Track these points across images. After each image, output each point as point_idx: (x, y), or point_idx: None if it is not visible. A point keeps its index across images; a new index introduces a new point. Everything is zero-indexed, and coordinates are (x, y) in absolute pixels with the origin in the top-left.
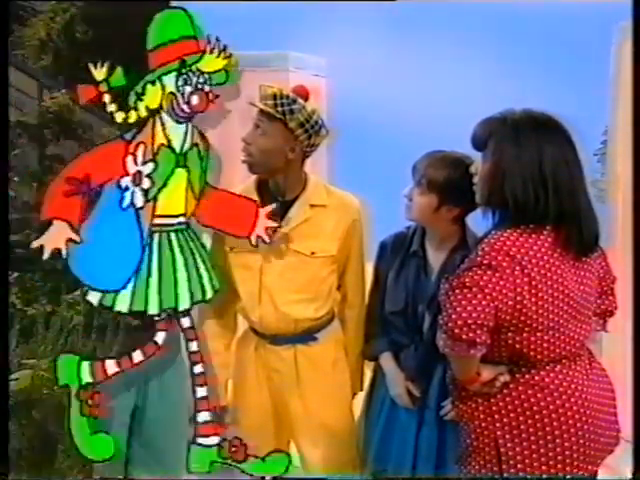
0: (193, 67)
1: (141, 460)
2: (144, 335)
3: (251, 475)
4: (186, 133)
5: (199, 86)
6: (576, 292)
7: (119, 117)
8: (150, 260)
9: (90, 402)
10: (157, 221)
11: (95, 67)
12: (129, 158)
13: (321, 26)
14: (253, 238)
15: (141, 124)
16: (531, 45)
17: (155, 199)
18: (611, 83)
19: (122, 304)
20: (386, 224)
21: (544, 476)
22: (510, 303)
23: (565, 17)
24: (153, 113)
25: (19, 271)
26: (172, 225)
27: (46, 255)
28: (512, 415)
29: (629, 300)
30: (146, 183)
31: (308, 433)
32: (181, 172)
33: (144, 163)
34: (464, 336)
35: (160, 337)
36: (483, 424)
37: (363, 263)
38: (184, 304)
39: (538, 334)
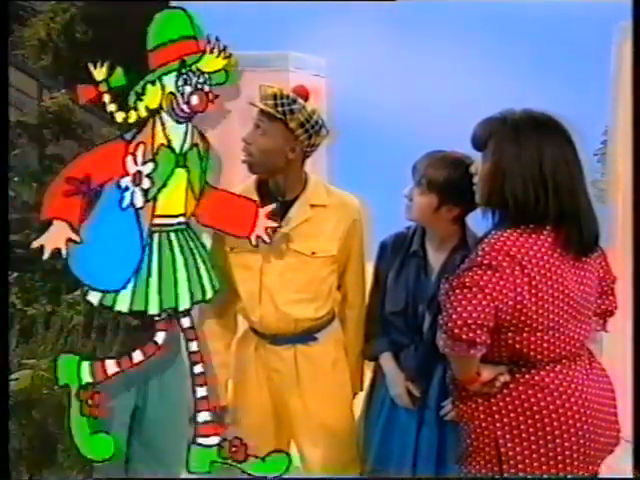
0: (193, 67)
1: (141, 460)
2: (144, 335)
3: (251, 475)
4: (186, 133)
5: (199, 86)
6: (576, 292)
7: (119, 117)
8: (150, 260)
9: (90, 402)
10: (157, 221)
11: (95, 67)
12: (129, 158)
13: (321, 26)
14: (253, 238)
15: (141, 124)
16: (531, 45)
17: (155, 199)
18: (611, 83)
19: (122, 304)
20: (386, 224)
21: (544, 476)
22: (510, 303)
23: (565, 17)
24: (153, 113)
25: (19, 271)
26: (172, 225)
27: (46, 255)
28: (512, 415)
29: (629, 300)
30: (146, 183)
31: (308, 433)
32: (181, 172)
33: (144, 163)
34: (464, 336)
35: (160, 337)
36: (483, 424)
37: (363, 263)
38: (184, 304)
39: (538, 334)
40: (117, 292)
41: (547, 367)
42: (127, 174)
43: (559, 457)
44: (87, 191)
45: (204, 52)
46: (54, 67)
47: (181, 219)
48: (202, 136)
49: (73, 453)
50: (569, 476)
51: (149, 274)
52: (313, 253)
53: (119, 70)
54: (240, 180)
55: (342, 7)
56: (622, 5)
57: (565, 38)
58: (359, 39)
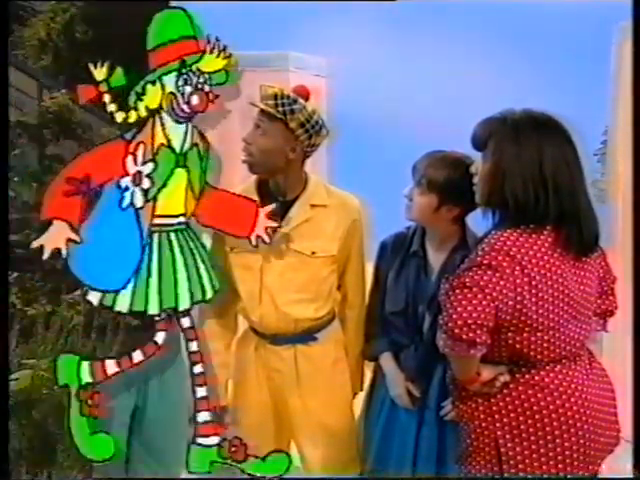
0: (193, 67)
1: (141, 460)
2: (144, 335)
3: (251, 475)
4: (186, 133)
5: (199, 86)
6: (576, 292)
7: (119, 117)
8: (150, 260)
9: (90, 402)
10: (157, 221)
11: (95, 67)
12: (129, 158)
13: (321, 26)
14: (253, 238)
15: (141, 124)
16: (531, 45)
17: (155, 199)
18: (611, 83)
19: (122, 304)
20: (386, 224)
21: (544, 476)
22: (510, 303)
23: (565, 17)
24: (153, 113)
25: (19, 271)
26: (172, 225)
27: (46, 255)
28: (512, 415)
29: (629, 300)
30: (146, 183)
31: (308, 433)
32: (181, 172)
33: (144, 163)
34: (464, 336)
35: (160, 337)
36: (483, 424)
37: (363, 263)
38: (184, 304)
39: (538, 334)
40: (117, 292)
41: (547, 367)
42: (127, 174)
43: (559, 457)
44: (87, 191)
45: (204, 52)
46: (54, 67)
47: (181, 219)
48: (202, 136)
49: (73, 453)
50: (569, 476)
51: (149, 274)
52: (313, 253)
53: (119, 70)
54: (240, 180)
55: (342, 7)
56: (622, 5)
57: (565, 38)
58: (359, 39)
